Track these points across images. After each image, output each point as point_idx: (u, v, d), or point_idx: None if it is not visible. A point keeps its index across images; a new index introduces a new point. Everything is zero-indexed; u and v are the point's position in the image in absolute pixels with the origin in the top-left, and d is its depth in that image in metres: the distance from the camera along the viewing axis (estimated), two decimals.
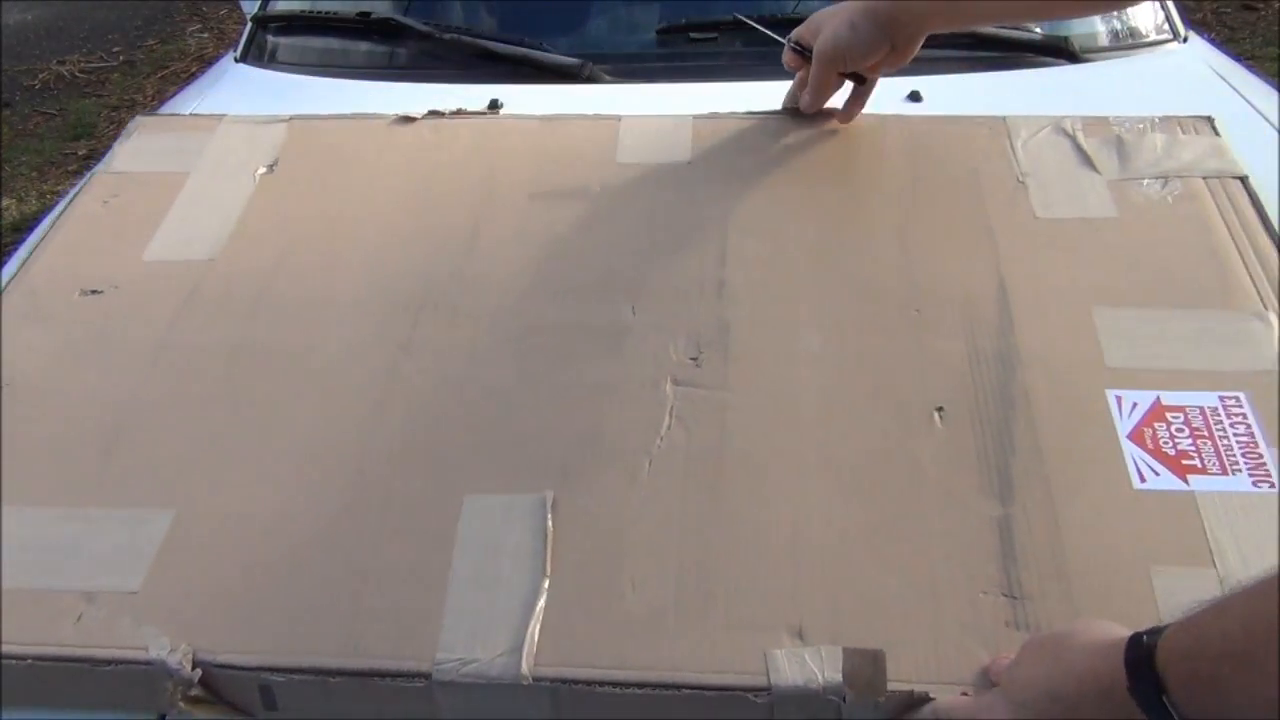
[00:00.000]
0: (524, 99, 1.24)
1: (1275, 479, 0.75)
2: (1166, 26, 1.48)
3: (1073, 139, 1.08)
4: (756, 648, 0.66)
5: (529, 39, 1.41)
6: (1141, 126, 1.09)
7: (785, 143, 1.12)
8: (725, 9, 1.40)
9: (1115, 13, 1.47)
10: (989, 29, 1.38)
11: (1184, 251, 0.94)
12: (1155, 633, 0.56)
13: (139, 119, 1.20)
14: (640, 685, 0.66)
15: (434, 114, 1.17)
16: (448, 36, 1.42)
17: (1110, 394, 0.81)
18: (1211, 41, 1.56)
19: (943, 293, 0.91)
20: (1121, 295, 0.90)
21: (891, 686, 0.64)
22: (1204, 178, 1.02)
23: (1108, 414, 0.80)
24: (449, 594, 0.70)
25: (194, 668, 0.67)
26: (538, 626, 0.68)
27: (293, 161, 1.11)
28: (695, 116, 1.15)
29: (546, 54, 1.38)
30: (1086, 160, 1.05)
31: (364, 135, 1.15)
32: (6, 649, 0.68)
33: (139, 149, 1.15)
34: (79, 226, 1.05)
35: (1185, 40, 1.47)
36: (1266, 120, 1.26)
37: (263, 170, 1.10)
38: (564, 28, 1.47)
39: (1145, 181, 1.02)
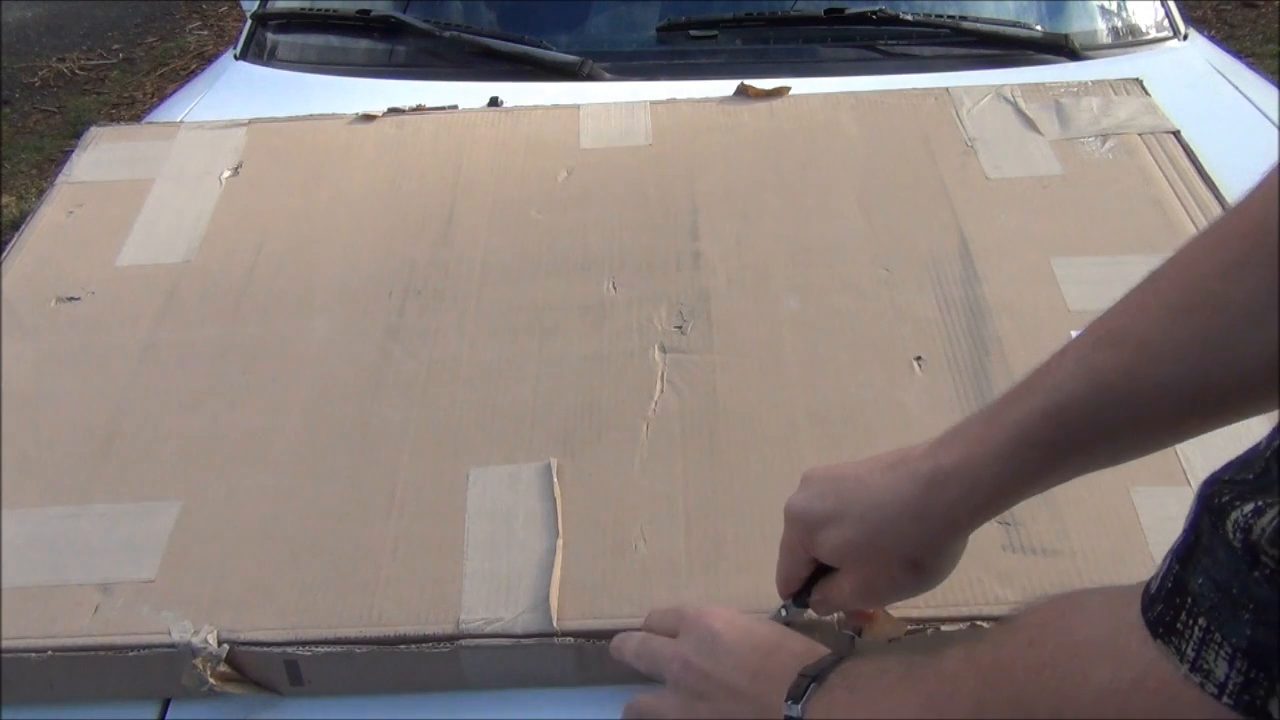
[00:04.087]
0: (524, 96, 1.23)
1: None
2: (1167, 24, 1.48)
3: (1014, 104, 1.14)
4: (769, 588, 0.69)
5: (529, 37, 1.41)
6: (1077, 90, 1.15)
7: (741, 123, 1.15)
8: (725, 7, 1.43)
9: (1115, 10, 1.47)
10: (990, 27, 1.39)
11: (1129, 202, 1.00)
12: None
13: (94, 129, 1.20)
14: None
15: (394, 111, 1.18)
16: (448, 34, 1.42)
17: (1075, 335, 0.86)
18: (1211, 39, 1.55)
19: (908, 252, 0.95)
20: (1076, 245, 0.95)
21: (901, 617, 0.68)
22: (1139, 134, 1.08)
23: None
24: (465, 560, 0.72)
25: (220, 644, 0.68)
26: (557, 584, 0.70)
27: (257, 163, 1.12)
28: (652, 102, 1.18)
29: (546, 51, 1.38)
30: (1029, 123, 1.11)
31: (326, 134, 1.16)
32: (24, 643, 0.68)
33: (98, 159, 1.14)
34: (46, 237, 1.04)
35: (1185, 38, 1.47)
36: (1266, 117, 1.25)
37: (228, 174, 1.11)
38: (564, 25, 1.48)
39: (1085, 140, 1.08)
